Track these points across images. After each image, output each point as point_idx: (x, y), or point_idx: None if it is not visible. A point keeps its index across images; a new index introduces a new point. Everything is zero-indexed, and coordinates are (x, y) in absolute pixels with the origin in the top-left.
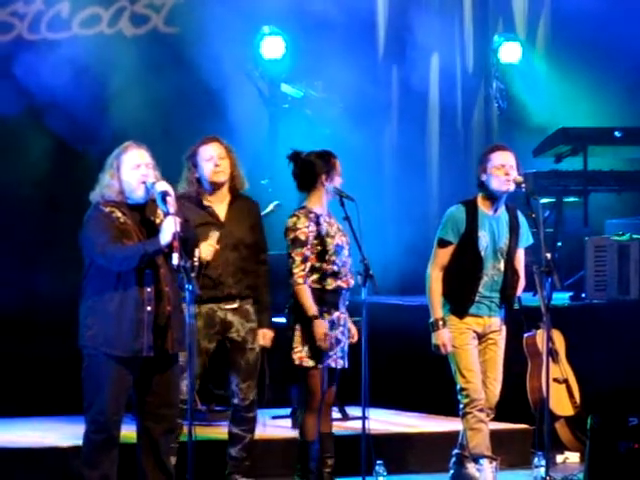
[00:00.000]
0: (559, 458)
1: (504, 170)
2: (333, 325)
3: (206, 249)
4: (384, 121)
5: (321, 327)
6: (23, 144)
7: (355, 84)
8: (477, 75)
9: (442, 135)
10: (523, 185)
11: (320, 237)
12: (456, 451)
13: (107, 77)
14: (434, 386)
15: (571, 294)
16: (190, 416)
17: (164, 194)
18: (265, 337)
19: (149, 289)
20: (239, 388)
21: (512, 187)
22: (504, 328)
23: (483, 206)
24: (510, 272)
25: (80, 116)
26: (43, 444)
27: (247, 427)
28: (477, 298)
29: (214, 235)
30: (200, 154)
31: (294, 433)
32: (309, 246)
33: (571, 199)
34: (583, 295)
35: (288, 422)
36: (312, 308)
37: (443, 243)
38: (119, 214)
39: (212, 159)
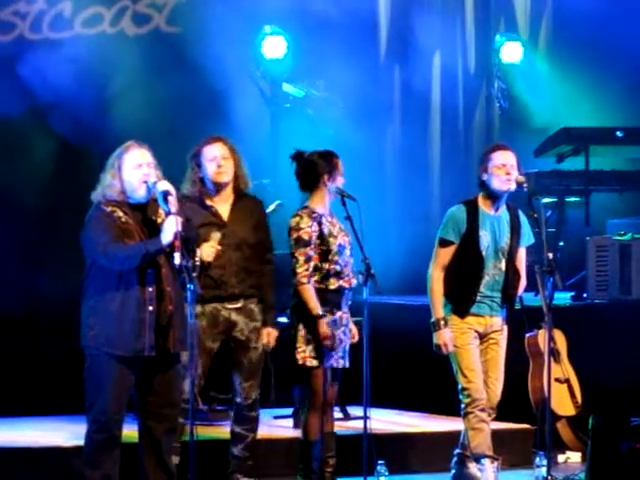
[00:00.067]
0: (561, 458)
1: (505, 170)
2: (335, 325)
3: (207, 250)
4: (386, 121)
5: (326, 327)
6: (25, 144)
7: (357, 84)
8: (479, 75)
9: (444, 135)
10: (525, 185)
11: (323, 237)
12: (458, 451)
13: (109, 77)
14: (436, 386)
15: (573, 294)
16: (191, 416)
17: (165, 193)
18: (269, 336)
19: (151, 289)
20: (242, 387)
21: (513, 186)
22: (505, 328)
23: (484, 206)
24: (511, 272)
25: (82, 116)
26: (44, 444)
27: (249, 426)
28: (478, 298)
29: (215, 236)
30: (204, 154)
31: (296, 433)
32: (312, 246)
33: (573, 199)
34: (585, 295)
35: (290, 422)
36: (316, 307)
37: (444, 243)
38: (121, 214)
39: (215, 159)
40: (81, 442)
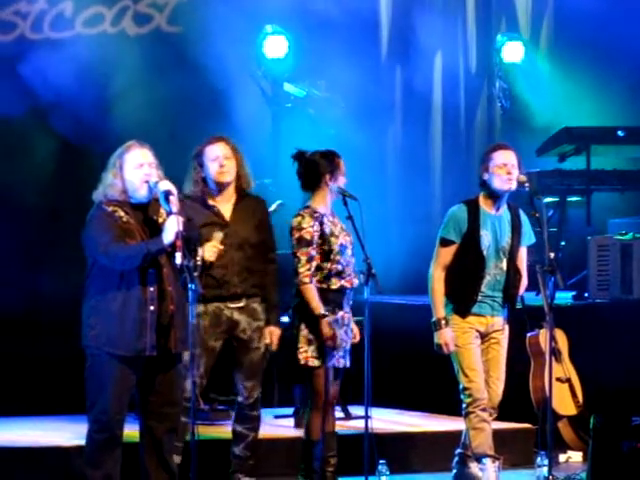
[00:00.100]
0: (562, 457)
1: (506, 169)
2: (337, 324)
3: (210, 250)
4: (387, 121)
5: (328, 326)
6: (26, 144)
7: (358, 84)
8: (480, 75)
9: (445, 135)
10: (526, 184)
11: (324, 237)
12: (459, 450)
13: (110, 76)
14: (437, 385)
15: (574, 293)
16: (192, 415)
17: (167, 193)
18: (272, 335)
19: (152, 288)
20: (244, 386)
21: (514, 186)
22: (507, 327)
23: (485, 205)
24: (512, 271)
25: (83, 115)
26: (45, 443)
27: (251, 425)
28: (480, 297)
29: (217, 236)
30: (206, 154)
31: (297, 432)
32: (314, 245)
33: (574, 198)
34: (586, 294)
35: (291, 421)
36: (319, 307)
37: (445, 242)
38: (122, 213)
39: (218, 159)
40: (82, 442)
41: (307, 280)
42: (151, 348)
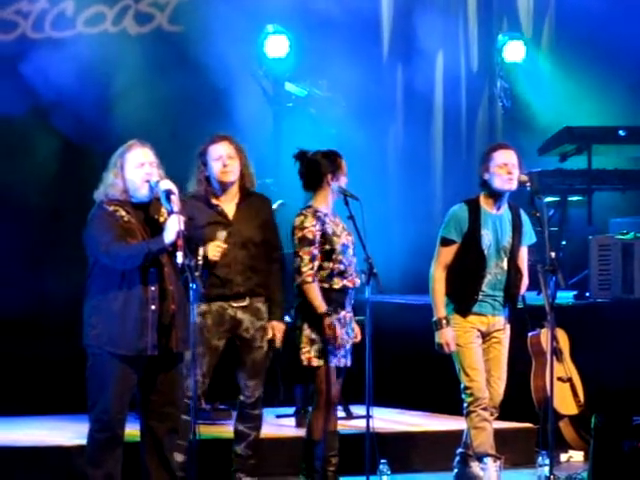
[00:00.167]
0: (563, 457)
1: (507, 169)
2: (339, 324)
3: (213, 249)
4: (388, 120)
5: (331, 325)
6: (28, 143)
7: (359, 83)
8: (482, 75)
9: (446, 135)
10: (528, 184)
11: (326, 236)
12: (460, 450)
13: (111, 76)
14: (438, 385)
15: (575, 293)
16: (194, 415)
17: (168, 192)
18: (275, 329)
19: (153, 288)
20: (246, 385)
21: (514, 186)
22: (508, 327)
23: (486, 205)
24: (513, 270)
25: (84, 115)
26: (47, 443)
27: (252, 424)
28: (480, 297)
29: (221, 235)
30: (209, 153)
31: (299, 432)
32: (316, 245)
33: (575, 198)
34: (587, 294)
35: (292, 421)
36: (322, 306)
37: (446, 242)
38: (123, 213)
39: (221, 159)
40: (83, 441)
41: (310, 279)
42: (152, 347)
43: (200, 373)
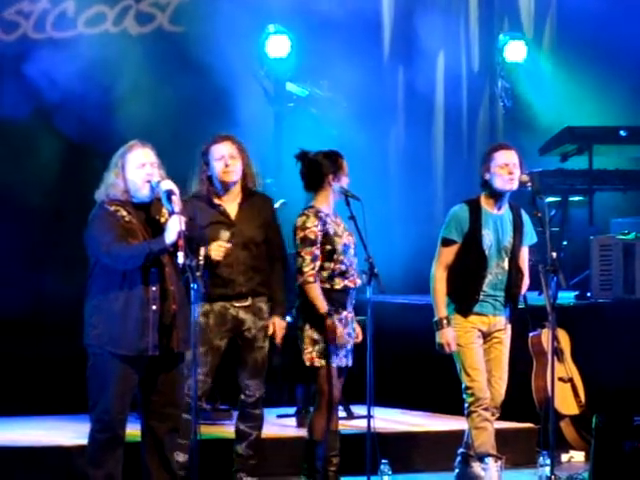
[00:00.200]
0: (564, 457)
1: (508, 169)
2: (341, 324)
3: (217, 249)
4: (390, 121)
5: (334, 325)
6: (29, 144)
7: (360, 84)
8: (483, 75)
9: (447, 135)
10: (529, 184)
11: (328, 237)
12: (461, 450)
13: (112, 76)
14: (439, 385)
15: (576, 293)
16: (194, 415)
17: (169, 193)
18: (276, 325)
19: (154, 288)
20: (247, 385)
21: (515, 186)
22: (509, 327)
23: (486, 205)
24: (514, 270)
25: (86, 115)
26: (48, 443)
27: (253, 424)
28: (481, 297)
29: (225, 235)
30: (212, 153)
31: (300, 432)
32: (318, 245)
33: (576, 198)
34: (588, 294)
35: (293, 421)
36: (324, 306)
37: (447, 242)
38: (124, 213)
39: (223, 158)
40: (84, 441)
41: (311, 279)
42: (153, 348)
43: (203, 372)
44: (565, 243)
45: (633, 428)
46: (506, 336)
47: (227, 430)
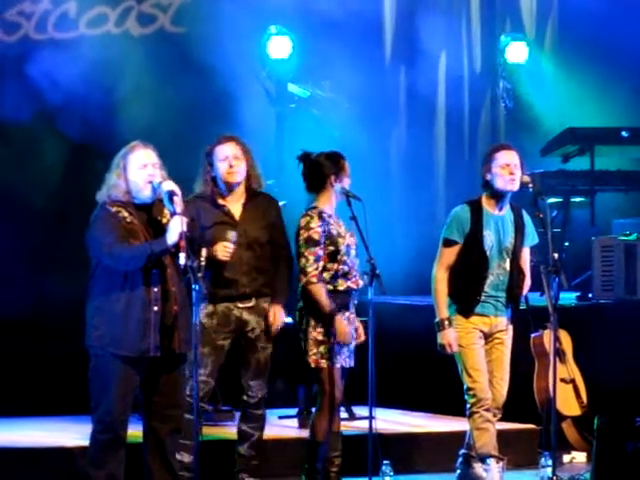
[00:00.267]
0: (566, 458)
1: (509, 169)
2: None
3: (222, 249)
4: (391, 122)
5: (342, 322)
6: (30, 145)
7: (362, 85)
8: (484, 76)
9: (449, 136)
10: (530, 185)
11: (332, 238)
12: (463, 451)
13: (114, 77)
14: (441, 386)
15: (578, 294)
16: (196, 415)
17: (171, 194)
18: (275, 312)
19: (156, 289)
20: (249, 385)
21: (517, 186)
22: (511, 328)
23: (488, 205)
24: (516, 271)
25: (88, 116)
26: (49, 444)
27: (255, 424)
28: (483, 297)
29: (231, 235)
30: (216, 153)
31: (301, 433)
32: (322, 246)
33: (578, 199)
34: (590, 295)
35: (295, 422)
36: (329, 304)
37: (448, 243)
38: (126, 214)
39: (227, 159)
40: (86, 442)
41: (315, 280)
42: (155, 349)
43: (206, 373)
44: (567, 244)
45: (635, 429)
46: (508, 337)
47: (229, 431)
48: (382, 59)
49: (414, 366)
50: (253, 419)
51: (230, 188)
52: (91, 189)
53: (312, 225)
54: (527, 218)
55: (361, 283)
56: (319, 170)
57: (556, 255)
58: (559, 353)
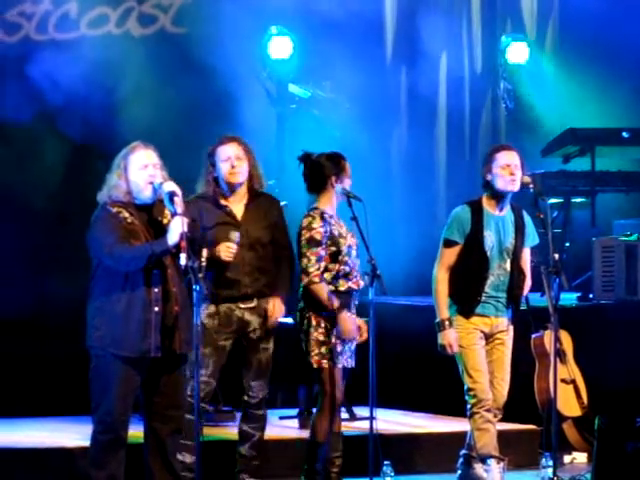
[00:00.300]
0: (566, 458)
1: (509, 170)
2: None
3: (225, 250)
4: (392, 123)
5: (347, 318)
6: (31, 145)
7: (363, 85)
8: (485, 76)
9: (450, 137)
10: (531, 186)
11: (334, 238)
12: (464, 451)
13: (114, 77)
14: (441, 386)
15: (579, 294)
16: (197, 416)
17: (171, 194)
18: (274, 304)
19: (157, 289)
20: (251, 386)
21: (517, 187)
22: (511, 328)
23: (488, 206)
24: (516, 272)
25: (88, 116)
26: (50, 444)
27: (256, 425)
28: (483, 298)
29: (234, 235)
30: (218, 154)
31: (302, 433)
32: (324, 246)
33: (579, 200)
34: (591, 295)
35: (296, 423)
36: (334, 302)
37: (449, 243)
38: (126, 214)
39: (229, 160)
40: (86, 443)
41: (317, 280)
42: (156, 349)
43: (207, 373)
44: (567, 244)
45: (635, 429)
46: (508, 337)
47: (230, 432)
48: (383, 59)
49: (415, 367)
50: (254, 419)
51: (232, 188)
52: (92, 190)
53: (314, 225)
54: (528, 219)
55: (362, 284)
56: (320, 171)
57: (557, 256)
58: (560, 354)
